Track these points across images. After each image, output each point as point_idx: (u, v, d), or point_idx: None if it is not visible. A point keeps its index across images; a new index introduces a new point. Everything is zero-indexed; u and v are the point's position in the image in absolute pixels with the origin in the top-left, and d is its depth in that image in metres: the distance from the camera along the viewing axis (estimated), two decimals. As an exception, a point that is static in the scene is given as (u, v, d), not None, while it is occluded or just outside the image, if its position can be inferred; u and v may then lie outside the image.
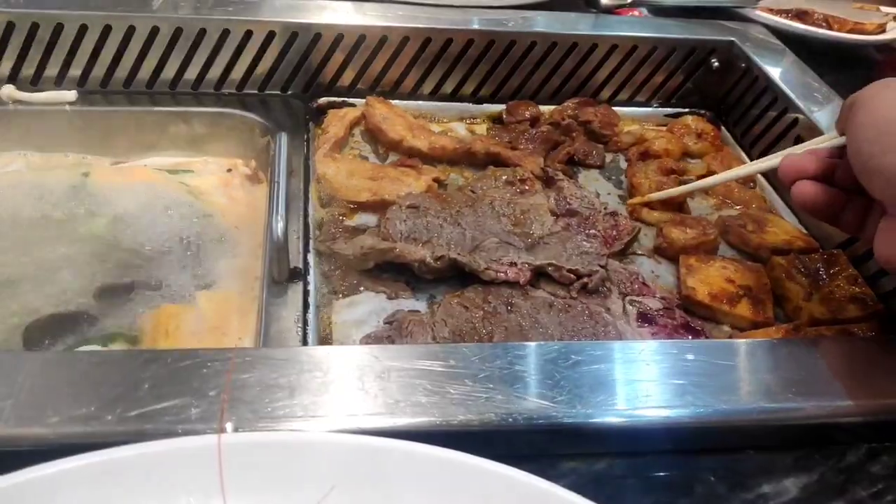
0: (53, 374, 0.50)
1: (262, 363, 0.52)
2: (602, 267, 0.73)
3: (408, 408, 0.50)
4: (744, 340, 0.64)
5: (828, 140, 0.66)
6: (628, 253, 0.81)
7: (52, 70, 0.93)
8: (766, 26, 1.14)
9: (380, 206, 0.81)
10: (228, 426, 0.47)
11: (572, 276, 0.72)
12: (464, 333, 0.69)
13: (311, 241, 0.78)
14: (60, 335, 0.71)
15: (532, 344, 0.57)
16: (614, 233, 0.79)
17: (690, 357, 0.56)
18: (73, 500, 0.41)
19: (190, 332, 0.73)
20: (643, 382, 0.54)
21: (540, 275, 0.74)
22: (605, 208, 0.84)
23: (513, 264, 0.72)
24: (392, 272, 0.75)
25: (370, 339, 0.69)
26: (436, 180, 0.87)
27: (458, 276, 0.74)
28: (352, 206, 0.83)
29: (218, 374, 0.51)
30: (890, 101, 0.53)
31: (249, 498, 0.44)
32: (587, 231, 0.79)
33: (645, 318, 0.69)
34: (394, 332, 0.70)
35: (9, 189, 0.87)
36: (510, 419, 0.50)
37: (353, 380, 0.52)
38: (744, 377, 0.57)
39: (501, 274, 0.71)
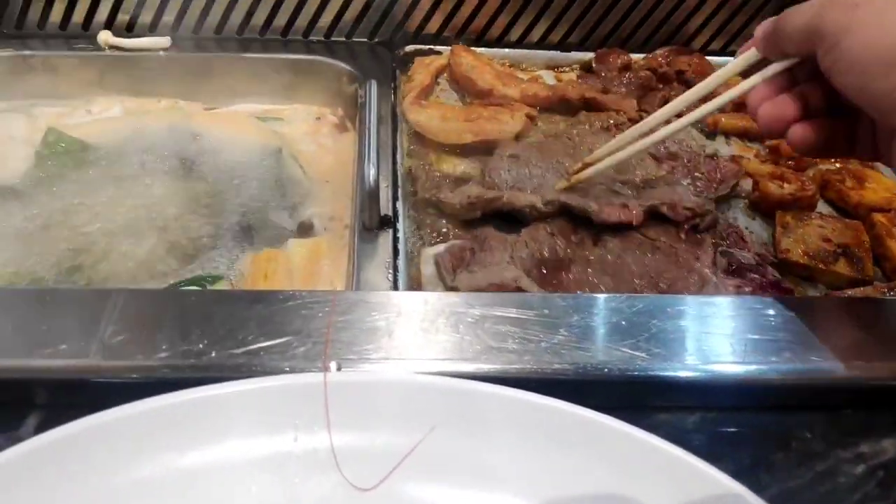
0: (165, 311, 0.52)
1: (359, 306, 0.53)
2: (713, 209, 0.72)
3: (502, 354, 0.51)
4: (841, 297, 0.62)
5: (747, 65, 0.59)
6: (725, 199, 0.79)
7: (146, 16, 0.96)
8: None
9: (483, 147, 0.82)
10: (332, 365, 0.49)
11: (688, 213, 0.71)
12: (542, 258, 0.68)
13: (399, 189, 0.78)
14: (159, 279, 0.74)
15: (625, 295, 0.57)
16: (718, 175, 0.78)
17: (788, 314, 0.55)
18: (192, 428, 0.44)
19: (285, 275, 0.75)
20: (740, 337, 0.53)
21: (650, 217, 0.72)
22: (704, 151, 0.82)
23: (624, 205, 0.71)
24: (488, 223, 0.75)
25: (454, 248, 0.70)
26: (528, 116, 0.87)
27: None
28: (445, 151, 0.84)
29: (318, 316, 0.52)
30: (880, 24, 0.47)
31: (353, 434, 0.45)
32: (692, 174, 0.77)
33: (733, 270, 0.68)
34: (476, 245, 0.70)
35: (111, 134, 0.90)
36: (605, 369, 0.50)
37: (447, 325, 0.53)
38: (841, 335, 0.56)
39: (615, 216, 0.70)
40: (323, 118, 0.96)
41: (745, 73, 0.59)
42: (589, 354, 0.51)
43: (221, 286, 0.74)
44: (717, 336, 0.54)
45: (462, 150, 0.84)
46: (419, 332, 0.52)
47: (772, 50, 0.56)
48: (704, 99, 0.64)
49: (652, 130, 0.66)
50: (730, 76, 0.61)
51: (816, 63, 0.51)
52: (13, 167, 0.84)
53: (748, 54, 0.59)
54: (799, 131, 0.55)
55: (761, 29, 0.57)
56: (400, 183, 0.79)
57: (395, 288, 0.68)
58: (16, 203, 0.79)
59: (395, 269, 0.70)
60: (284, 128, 0.95)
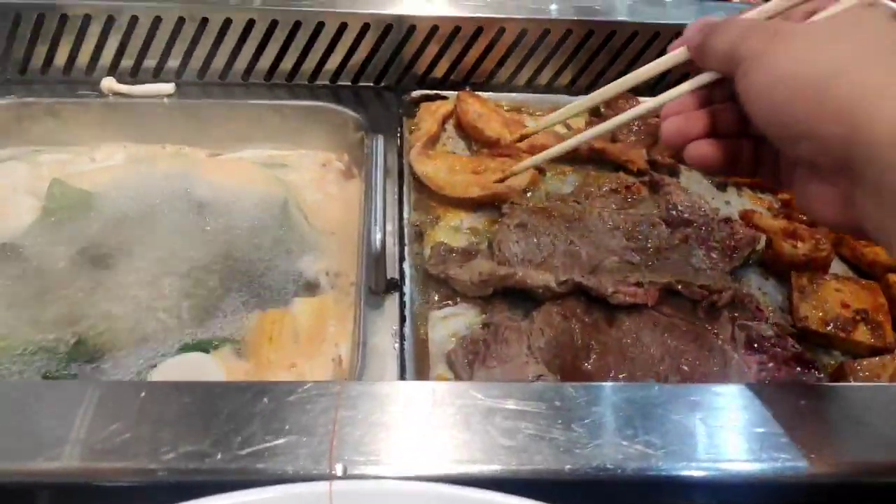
0: (167, 406, 0.51)
1: (365, 399, 0.52)
2: (731, 284, 0.70)
3: (514, 454, 0.49)
4: (863, 386, 0.60)
5: (675, 63, 0.59)
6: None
7: (150, 62, 0.94)
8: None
9: (491, 200, 0.82)
10: (338, 467, 0.48)
11: (704, 291, 0.70)
12: (561, 345, 0.67)
13: (406, 248, 0.77)
14: (163, 342, 0.73)
15: (638, 385, 0.56)
16: (732, 242, 0.76)
17: (807, 403, 0.54)
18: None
19: (291, 337, 0.74)
20: (757, 431, 0.52)
21: (664, 293, 0.71)
22: (717, 214, 0.80)
23: (639, 284, 0.69)
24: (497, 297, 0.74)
25: (466, 342, 0.69)
26: (537, 168, 0.86)
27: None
28: (451, 203, 0.83)
29: (325, 410, 0.51)
30: (789, 54, 0.47)
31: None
32: (706, 243, 0.76)
33: (754, 345, 0.66)
34: (490, 336, 0.69)
35: (114, 183, 0.88)
36: (619, 470, 0.49)
37: (456, 420, 0.51)
38: (862, 429, 0.54)
39: (630, 297, 0.69)
40: (329, 164, 0.95)
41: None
42: (602, 452, 0.50)
43: (226, 350, 0.73)
44: (731, 431, 0.52)
45: (469, 204, 0.83)
46: (428, 428, 0.51)
47: (698, 59, 0.57)
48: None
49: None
50: (654, 73, 0.64)
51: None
52: (15, 221, 0.83)
53: (677, 54, 0.59)
54: (697, 149, 0.56)
55: (690, 31, 0.56)
56: (407, 241, 0.78)
57: (402, 358, 0.67)
58: (15, 262, 0.78)
59: (402, 337, 0.69)
60: (290, 174, 0.94)
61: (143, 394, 0.52)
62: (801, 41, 0.48)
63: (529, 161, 0.79)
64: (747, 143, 0.57)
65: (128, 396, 0.51)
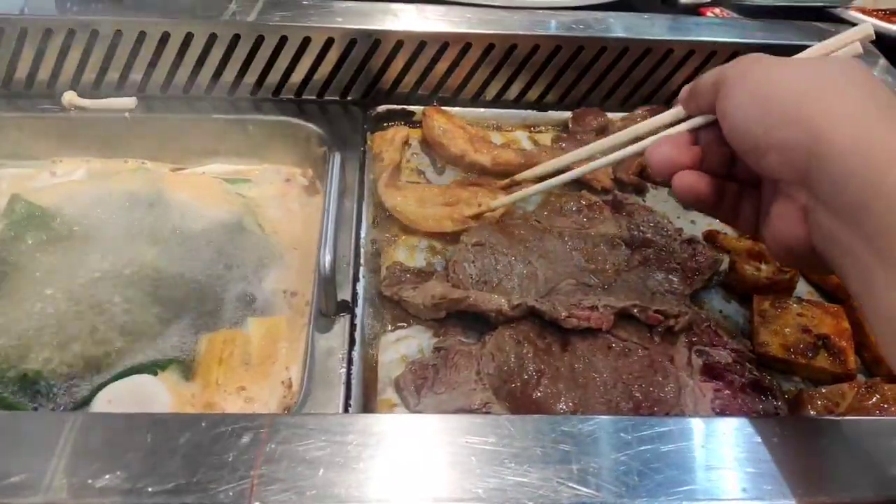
0: (91, 438, 0.49)
1: (297, 433, 0.50)
2: (689, 308, 0.69)
3: (445, 491, 0.48)
4: (829, 419, 0.59)
5: (675, 120, 0.62)
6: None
7: (112, 76, 0.93)
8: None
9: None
10: (258, 505, 0.46)
11: (660, 316, 0.68)
12: (511, 371, 0.66)
13: (361, 268, 0.76)
14: (110, 362, 0.71)
15: (577, 417, 0.54)
16: (694, 264, 0.74)
17: (774, 440, 0.52)
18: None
19: (241, 359, 0.73)
20: (702, 468, 0.50)
21: (621, 316, 0.69)
22: (680, 235, 0.78)
23: (594, 308, 0.68)
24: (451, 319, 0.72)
25: (415, 366, 0.67)
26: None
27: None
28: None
29: (253, 444, 0.49)
30: (767, 77, 0.52)
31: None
32: (667, 264, 0.74)
33: (711, 372, 0.65)
34: (439, 360, 0.67)
35: (73, 199, 0.87)
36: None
37: (394, 456, 0.50)
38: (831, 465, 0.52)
39: (584, 322, 0.67)
40: (292, 180, 0.94)
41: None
42: (545, 494, 0.48)
43: (173, 371, 0.72)
44: (685, 468, 0.50)
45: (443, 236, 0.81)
46: (361, 464, 0.49)
47: (689, 104, 0.60)
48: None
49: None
50: (657, 126, 0.64)
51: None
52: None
53: (676, 111, 0.62)
54: (687, 178, 0.58)
55: (685, 89, 0.61)
56: (363, 261, 0.77)
57: (349, 382, 0.65)
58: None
59: (350, 361, 0.67)
60: (252, 190, 0.92)
61: (65, 425, 0.50)
62: (780, 68, 0.52)
63: (507, 199, 0.79)
64: (731, 186, 0.59)
65: (49, 428, 0.50)
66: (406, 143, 0.91)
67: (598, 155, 0.73)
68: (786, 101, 0.50)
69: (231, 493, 0.46)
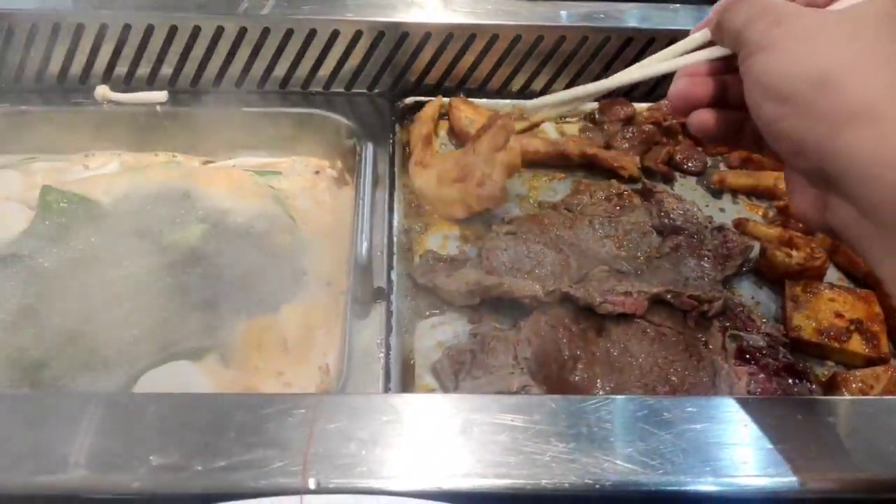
0: (141, 418, 0.50)
1: (344, 412, 0.51)
2: (722, 293, 0.69)
3: (490, 468, 0.49)
4: (853, 399, 0.59)
5: (700, 47, 0.58)
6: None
7: (143, 70, 0.94)
8: None
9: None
10: (311, 482, 0.47)
11: (694, 301, 0.69)
12: (547, 355, 0.66)
13: (395, 257, 0.77)
14: (151, 350, 0.72)
15: (621, 398, 0.55)
16: (724, 251, 0.75)
17: (798, 417, 0.53)
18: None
19: (279, 346, 0.74)
20: (742, 447, 0.51)
21: (654, 302, 0.70)
22: (710, 222, 0.79)
23: (628, 293, 0.68)
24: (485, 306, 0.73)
25: (452, 352, 0.68)
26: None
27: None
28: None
29: (301, 423, 0.50)
30: (785, 55, 0.47)
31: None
32: (698, 251, 0.75)
33: (745, 356, 0.65)
34: (476, 346, 0.68)
35: (107, 191, 0.88)
36: (597, 486, 0.48)
37: (437, 434, 0.51)
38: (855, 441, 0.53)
39: (619, 307, 0.68)
40: (322, 172, 0.95)
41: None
42: (582, 468, 0.49)
43: (210, 359, 0.73)
44: (714, 446, 0.51)
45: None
46: (404, 441, 0.50)
47: (715, 36, 0.57)
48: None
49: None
50: (679, 53, 0.60)
51: None
52: (5, 231, 0.83)
53: (700, 34, 0.58)
54: (699, 117, 0.57)
55: (714, 12, 0.56)
56: (396, 249, 0.78)
57: (387, 367, 0.66)
58: (3, 270, 0.78)
59: (388, 347, 0.68)
60: (283, 182, 0.93)
61: (119, 405, 0.51)
62: (799, 40, 0.48)
63: (539, 101, 0.74)
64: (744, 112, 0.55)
65: (104, 408, 0.51)
66: (436, 119, 0.91)
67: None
68: (802, 86, 0.46)
69: (285, 471, 0.47)
